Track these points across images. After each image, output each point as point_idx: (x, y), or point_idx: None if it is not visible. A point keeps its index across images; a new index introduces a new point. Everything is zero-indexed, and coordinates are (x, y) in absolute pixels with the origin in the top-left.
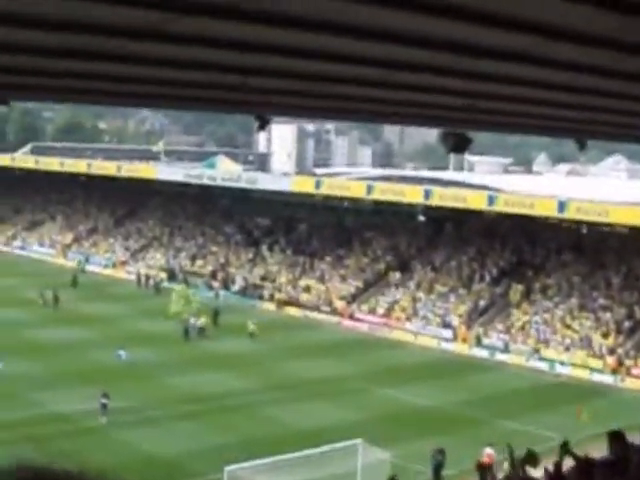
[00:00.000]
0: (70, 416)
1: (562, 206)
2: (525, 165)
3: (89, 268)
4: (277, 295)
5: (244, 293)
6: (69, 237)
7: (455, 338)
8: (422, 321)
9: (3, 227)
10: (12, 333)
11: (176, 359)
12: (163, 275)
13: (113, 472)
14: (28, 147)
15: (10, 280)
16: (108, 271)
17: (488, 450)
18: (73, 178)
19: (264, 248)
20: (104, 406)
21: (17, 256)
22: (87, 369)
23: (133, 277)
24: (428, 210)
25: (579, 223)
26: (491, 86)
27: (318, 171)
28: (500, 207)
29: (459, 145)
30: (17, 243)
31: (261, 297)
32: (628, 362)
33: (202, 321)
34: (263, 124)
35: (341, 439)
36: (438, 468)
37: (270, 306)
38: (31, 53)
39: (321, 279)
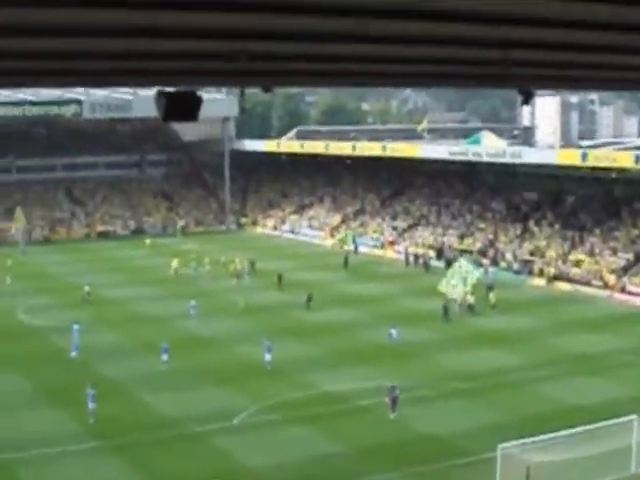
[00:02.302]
0: (344, 396)
1: None
2: None
3: (356, 249)
4: (546, 270)
5: (513, 269)
6: (337, 219)
7: None
8: None
9: (272, 212)
10: (283, 316)
11: (446, 337)
12: (432, 253)
13: (387, 450)
14: (293, 132)
15: (283, 263)
16: (377, 251)
17: None
18: (339, 160)
19: (532, 223)
20: (394, 401)
21: (287, 239)
22: (359, 349)
23: (402, 256)
24: None
25: None
26: None
27: (583, 143)
28: None
29: None
30: (286, 227)
31: (531, 272)
32: None
33: (471, 298)
34: (527, 98)
35: (614, 415)
36: None
37: (540, 281)
38: (303, 40)
39: (591, 252)
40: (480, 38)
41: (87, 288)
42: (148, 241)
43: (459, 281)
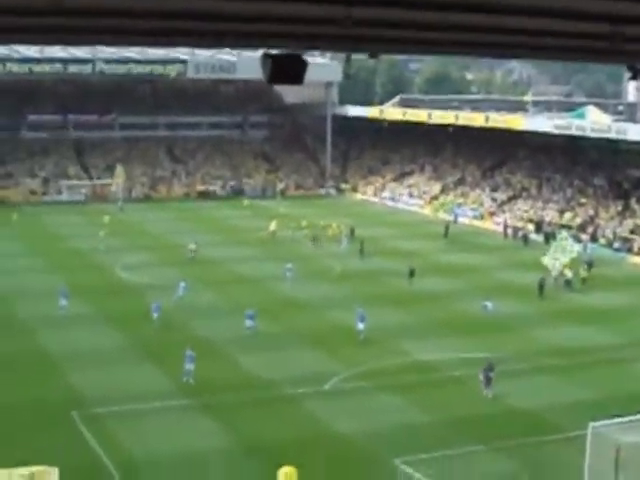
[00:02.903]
0: (436, 366)
1: None
2: None
3: (455, 219)
4: None
5: (612, 246)
6: (437, 188)
7: None
8: None
9: (372, 178)
10: (378, 283)
11: (541, 311)
12: (530, 227)
13: (477, 422)
14: (396, 99)
15: (381, 230)
16: (476, 222)
17: None
18: (441, 129)
19: (633, 201)
20: (488, 380)
21: (386, 207)
22: (453, 319)
23: (500, 228)
24: None
25: None
26: None
27: None
28: None
29: None
30: (386, 194)
31: (630, 250)
32: None
33: (569, 273)
34: (635, 74)
35: None
36: None
37: (639, 259)
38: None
39: None
40: (589, 11)
41: (193, 246)
42: (246, 202)
43: (561, 254)
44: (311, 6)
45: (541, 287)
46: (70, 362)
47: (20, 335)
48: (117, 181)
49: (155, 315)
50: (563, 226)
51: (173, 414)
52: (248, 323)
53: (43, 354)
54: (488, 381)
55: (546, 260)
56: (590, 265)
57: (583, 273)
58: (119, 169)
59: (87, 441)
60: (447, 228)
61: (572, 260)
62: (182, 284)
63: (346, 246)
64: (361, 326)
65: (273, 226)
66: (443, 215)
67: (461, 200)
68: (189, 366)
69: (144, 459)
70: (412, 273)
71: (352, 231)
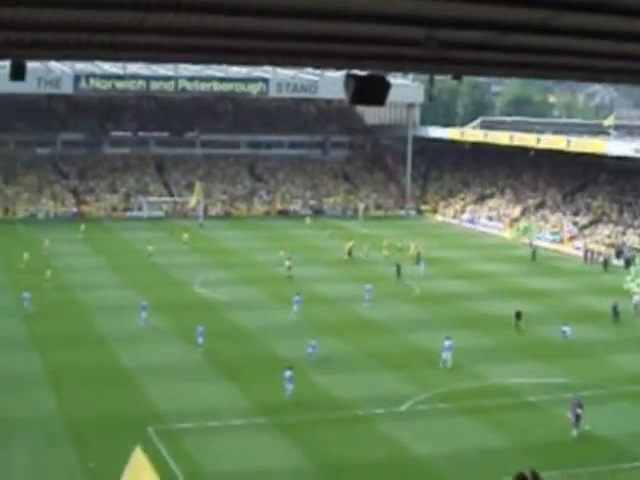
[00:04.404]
0: (514, 390)
1: None
2: None
3: (537, 243)
4: None
5: None
6: (517, 211)
7: None
8: None
9: (452, 200)
10: (455, 306)
11: (619, 337)
12: (611, 252)
13: (553, 448)
14: (478, 121)
15: (459, 253)
16: (555, 246)
17: None
18: (522, 152)
19: None
20: (577, 417)
21: (465, 229)
22: (532, 343)
23: (580, 253)
24: None
25: None
26: None
27: None
28: None
29: None
30: (466, 216)
31: None
32: None
33: None
34: None
35: None
36: None
37: None
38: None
39: None
40: None
41: (288, 263)
42: (308, 220)
43: None
44: (394, 27)
45: (615, 312)
46: (147, 377)
47: (99, 349)
48: (196, 198)
49: (200, 340)
50: None
51: (248, 432)
52: (309, 350)
53: (120, 368)
54: (577, 419)
55: (628, 284)
56: None
57: None
58: (198, 186)
59: (163, 457)
60: (534, 252)
61: None
62: (297, 297)
63: (423, 268)
64: (446, 355)
65: (349, 246)
66: (525, 239)
67: (541, 223)
68: (290, 387)
69: (217, 477)
70: (519, 316)
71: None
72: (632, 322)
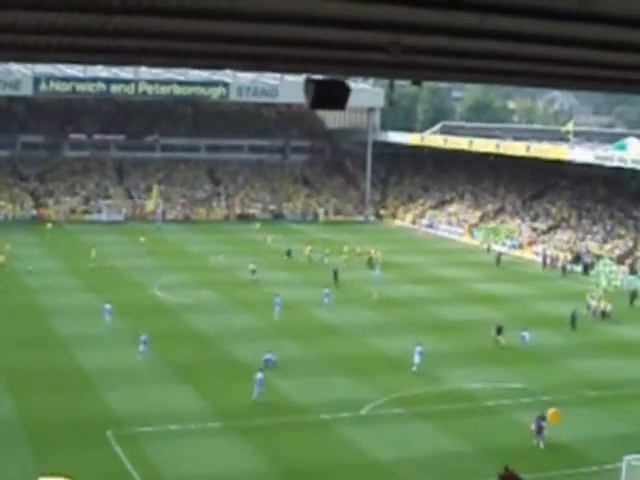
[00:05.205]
0: (473, 395)
1: None
2: None
3: (495, 248)
4: None
5: None
6: (476, 216)
7: None
8: None
9: (411, 205)
10: (415, 310)
11: (577, 343)
12: (569, 257)
13: (511, 453)
14: (438, 126)
15: (419, 258)
16: (514, 251)
17: None
18: (481, 157)
19: None
20: (540, 429)
21: (425, 234)
22: (490, 348)
23: (539, 258)
24: None
25: None
26: None
27: None
28: None
29: None
30: (425, 221)
31: None
32: None
33: (608, 305)
34: None
35: None
36: None
37: None
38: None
39: None
40: (631, 42)
41: (252, 266)
42: (258, 226)
43: (603, 280)
44: (358, 32)
45: (573, 319)
46: (106, 380)
47: (58, 352)
48: (154, 201)
49: (141, 347)
50: (601, 257)
51: (207, 436)
52: (267, 356)
53: (80, 371)
54: (540, 430)
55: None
56: (635, 295)
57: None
58: (156, 188)
59: (121, 461)
60: (499, 257)
61: (615, 288)
62: (277, 299)
63: (379, 272)
64: (417, 359)
65: (307, 251)
66: (491, 242)
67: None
68: (258, 389)
69: None
70: (500, 331)
71: (370, 259)
72: (590, 327)
